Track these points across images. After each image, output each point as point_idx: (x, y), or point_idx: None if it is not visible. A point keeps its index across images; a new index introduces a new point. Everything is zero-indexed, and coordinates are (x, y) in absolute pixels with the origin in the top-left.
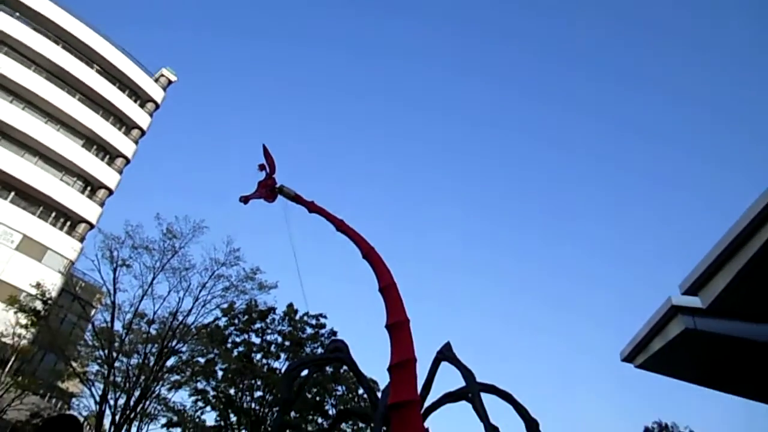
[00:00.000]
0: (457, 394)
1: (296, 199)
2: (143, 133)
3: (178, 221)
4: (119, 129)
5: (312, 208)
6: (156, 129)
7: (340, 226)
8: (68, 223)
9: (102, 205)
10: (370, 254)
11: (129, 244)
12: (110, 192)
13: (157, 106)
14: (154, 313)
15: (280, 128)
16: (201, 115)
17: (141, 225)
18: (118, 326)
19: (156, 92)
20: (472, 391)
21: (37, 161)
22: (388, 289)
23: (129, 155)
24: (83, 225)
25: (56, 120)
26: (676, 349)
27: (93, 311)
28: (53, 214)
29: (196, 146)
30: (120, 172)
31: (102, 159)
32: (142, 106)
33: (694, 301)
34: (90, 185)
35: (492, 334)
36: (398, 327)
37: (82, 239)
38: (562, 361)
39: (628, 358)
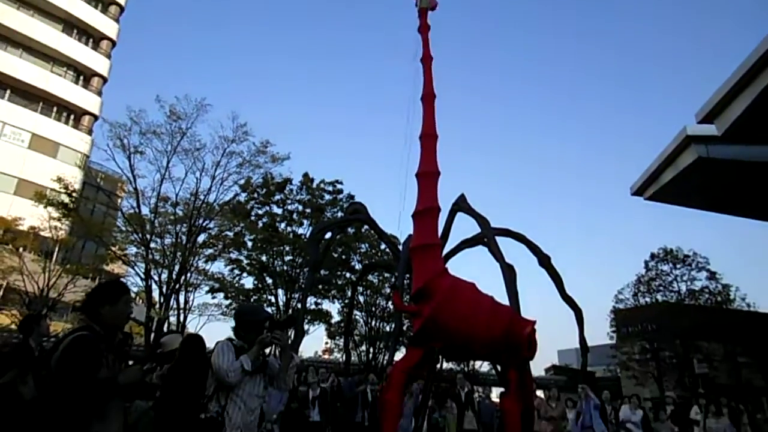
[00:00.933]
0: (473, 239)
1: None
2: (122, 9)
3: (180, 102)
4: (95, 7)
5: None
6: (135, 3)
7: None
8: (72, 117)
9: (99, 94)
10: (427, 99)
11: (137, 131)
12: (104, 80)
13: None
14: (176, 195)
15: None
16: None
17: (144, 110)
18: (145, 211)
19: None
20: (487, 236)
21: (21, 54)
22: (428, 138)
23: (113, 36)
24: (87, 117)
25: (28, 5)
26: (687, 178)
27: (119, 200)
28: (55, 109)
29: (181, 17)
30: (108, 56)
31: (86, 44)
32: None
33: (708, 130)
34: (82, 74)
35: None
36: (427, 177)
37: (89, 131)
38: (573, 203)
39: (639, 191)
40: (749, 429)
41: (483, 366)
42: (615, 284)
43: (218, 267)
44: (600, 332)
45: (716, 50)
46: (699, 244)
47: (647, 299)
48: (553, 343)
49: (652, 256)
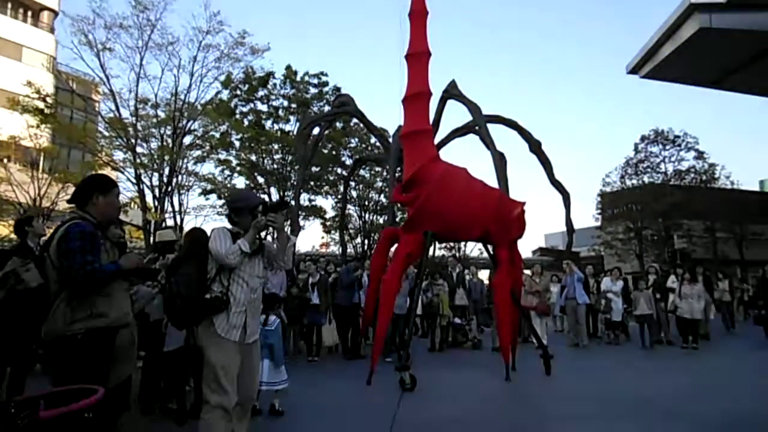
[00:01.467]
0: (465, 128)
1: None
2: None
3: None
4: None
5: None
6: None
7: None
8: (29, 13)
9: None
10: None
11: (101, 24)
12: None
13: None
14: (156, 95)
15: None
16: None
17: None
18: (126, 114)
19: None
20: (478, 123)
21: None
22: (418, 15)
23: None
24: (46, 13)
25: None
26: (687, 52)
27: (96, 104)
28: (10, 6)
29: None
30: None
31: None
32: None
33: None
34: None
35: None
36: (417, 57)
37: (51, 30)
38: (565, 86)
39: (635, 69)
40: (728, 295)
41: (473, 251)
42: (605, 169)
43: (209, 168)
44: (586, 216)
45: None
46: (690, 125)
47: (634, 182)
48: (540, 227)
49: (642, 138)
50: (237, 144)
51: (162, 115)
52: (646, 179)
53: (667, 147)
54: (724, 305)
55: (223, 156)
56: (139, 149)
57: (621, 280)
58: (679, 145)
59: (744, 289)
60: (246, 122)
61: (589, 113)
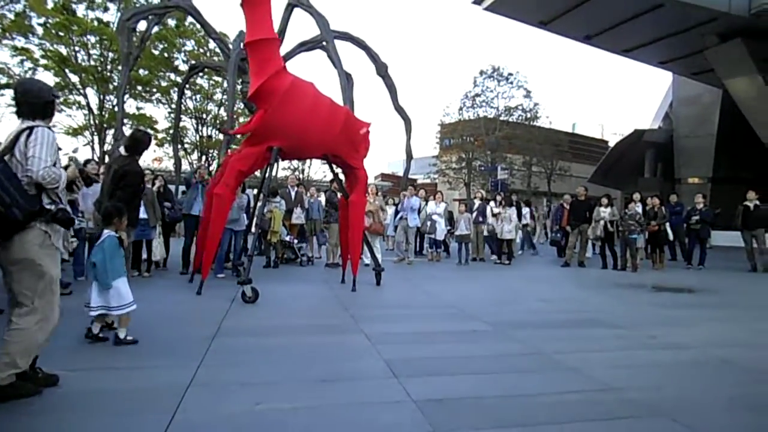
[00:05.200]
0: (312, 42)
1: None
2: None
3: None
4: None
5: None
6: None
7: None
8: None
9: None
10: None
11: None
12: None
13: None
14: None
15: None
16: None
17: None
18: None
19: None
20: (326, 39)
21: None
22: None
23: None
24: None
25: None
26: None
27: None
28: None
29: None
30: None
31: None
32: None
33: None
34: None
35: None
36: None
37: None
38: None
39: (478, 1)
40: (533, 222)
41: (317, 174)
42: (447, 100)
43: (3, 57)
44: (428, 145)
45: None
46: (521, 64)
47: (470, 114)
48: (384, 155)
49: (481, 72)
50: (40, 30)
51: None
52: (481, 113)
53: (501, 83)
54: (525, 229)
55: (21, 43)
56: None
57: (444, 203)
58: (512, 83)
59: (543, 215)
60: (51, 4)
61: (437, 43)
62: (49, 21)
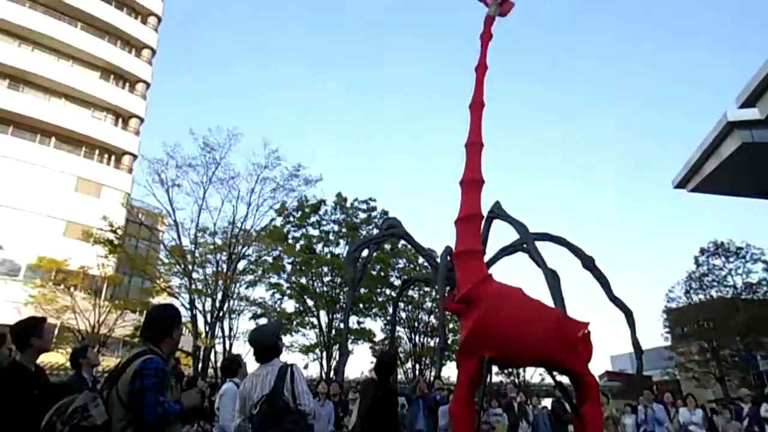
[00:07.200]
0: (513, 246)
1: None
2: (153, 52)
3: (212, 133)
4: (129, 52)
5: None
6: (165, 44)
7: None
8: (113, 158)
9: (137, 134)
10: (475, 107)
11: (173, 164)
12: (141, 120)
13: (159, 19)
14: (214, 224)
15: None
16: (202, 22)
17: (179, 144)
18: (186, 242)
19: (154, 4)
20: (526, 241)
21: (64, 103)
22: (474, 146)
23: (147, 78)
24: (127, 156)
25: (66, 55)
26: (733, 166)
27: (160, 234)
28: (97, 152)
29: (207, 54)
30: (144, 98)
31: (123, 87)
32: (143, 22)
33: (750, 114)
34: (120, 116)
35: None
36: (472, 184)
37: (130, 170)
38: (615, 197)
39: (681, 184)
40: None
41: (533, 377)
42: (664, 284)
43: (260, 293)
44: (653, 334)
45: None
46: (752, 235)
47: (701, 296)
48: (605, 349)
49: (702, 251)
50: (288, 268)
51: (219, 242)
52: (714, 293)
53: (731, 259)
54: None
55: (274, 280)
56: (194, 275)
57: (699, 409)
58: (744, 257)
59: None
60: (298, 247)
61: (637, 227)
62: (296, 260)
